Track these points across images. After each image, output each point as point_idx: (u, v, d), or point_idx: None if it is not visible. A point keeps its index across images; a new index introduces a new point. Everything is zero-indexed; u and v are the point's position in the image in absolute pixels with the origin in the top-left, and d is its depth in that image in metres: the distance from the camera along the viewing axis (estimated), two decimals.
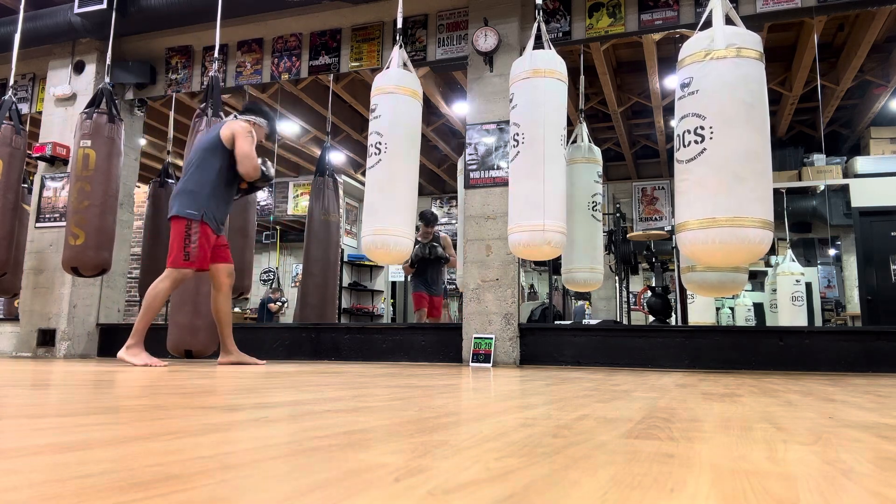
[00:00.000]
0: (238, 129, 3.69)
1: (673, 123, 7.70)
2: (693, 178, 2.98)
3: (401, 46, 4.06)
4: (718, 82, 2.96)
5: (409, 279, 6.73)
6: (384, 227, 3.73)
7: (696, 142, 2.98)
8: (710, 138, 2.93)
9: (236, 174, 3.73)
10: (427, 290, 6.16)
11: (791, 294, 7.26)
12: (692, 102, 3.02)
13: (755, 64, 3.01)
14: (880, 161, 7.25)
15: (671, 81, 6.75)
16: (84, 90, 5.57)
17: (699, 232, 2.93)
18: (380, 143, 3.81)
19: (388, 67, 3.99)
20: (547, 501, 0.51)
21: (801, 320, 7.05)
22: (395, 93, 3.88)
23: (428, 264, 6.11)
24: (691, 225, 2.97)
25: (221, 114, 4.43)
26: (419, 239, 6.12)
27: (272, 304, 9.32)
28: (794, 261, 7.45)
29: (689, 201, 3.00)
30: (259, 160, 3.76)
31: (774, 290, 7.96)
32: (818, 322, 8.07)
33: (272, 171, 3.89)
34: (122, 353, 3.47)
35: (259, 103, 4.03)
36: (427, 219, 6.21)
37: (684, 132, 3.04)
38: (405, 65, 4.02)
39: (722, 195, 2.89)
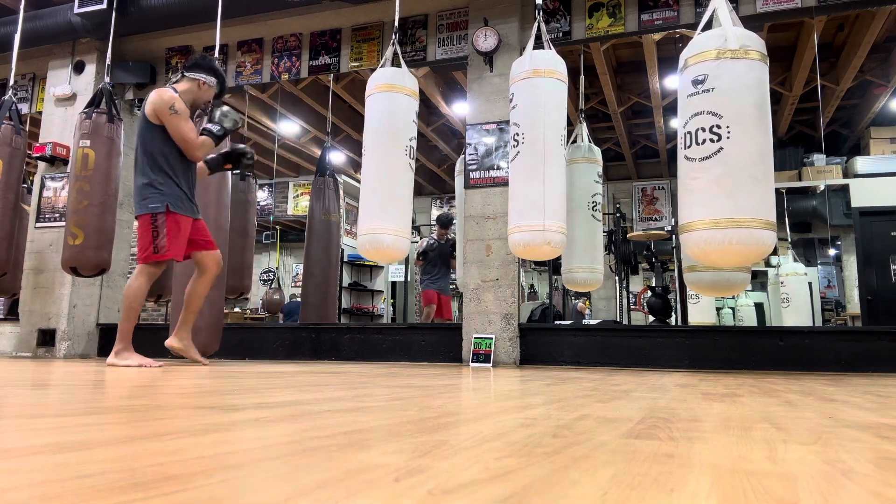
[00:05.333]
0: (160, 109, 3.33)
1: (675, 121, 7.75)
2: (708, 176, 2.94)
3: (393, 43, 4.07)
4: (735, 82, 2.94)
5: (418, 277, 6.83)
6: (380, 226, 3.76)
7: (711, 140, 2.95)
8: (728, 138, 2.91)
9: None
10: (437, 288, 6.25)
11: (780, 295, 7.34)
12: (707, 100, 2.98)
13: (763, 66, 3.01)
14: (880, 161, 7.25)
15: (671, 81, 6.75)
16: (84, 90, 5.57)
17: (716, 232, 2.88)
18: (364, 147, 3.91)
19: (382, 65, 4.03)
20: (547, 501, 0.51)
21: (789, 321, 7.09)
22: (374, 93, 3.90)
23: (440, 261, 6.21)
24: (705, 224, 2.93)
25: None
26: (436, 238, 6.32)
27: None
28: (796, 261, 7.46)
29: (702, 200, 2.96)
30: (209, 131, 3.41)
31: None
32: (818, 322, 8.07)
33: (228, 122, 3.47)
34: (112, 359, 3.37)
35: (208, 57, 3.65)
36: (442, 222, 6.48)
37: (697, 129, 3.00)
38: (395, 61, 4.04)
39: (741, 195, 2.87)
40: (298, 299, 9.36)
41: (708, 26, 3.18)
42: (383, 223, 3.72)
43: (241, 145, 3.75)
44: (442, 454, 0.71)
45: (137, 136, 3.46)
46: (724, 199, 2.90)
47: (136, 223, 3.51)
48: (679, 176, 3.15)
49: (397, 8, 4.20)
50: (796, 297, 7.26)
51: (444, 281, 6.38)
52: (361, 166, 3.94)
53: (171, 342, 3.61)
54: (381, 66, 4.04)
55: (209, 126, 3.47)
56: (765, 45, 3.05)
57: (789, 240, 7.99)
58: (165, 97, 3.36)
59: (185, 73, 3.55)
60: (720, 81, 2.96)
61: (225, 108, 3.58)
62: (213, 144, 3.46)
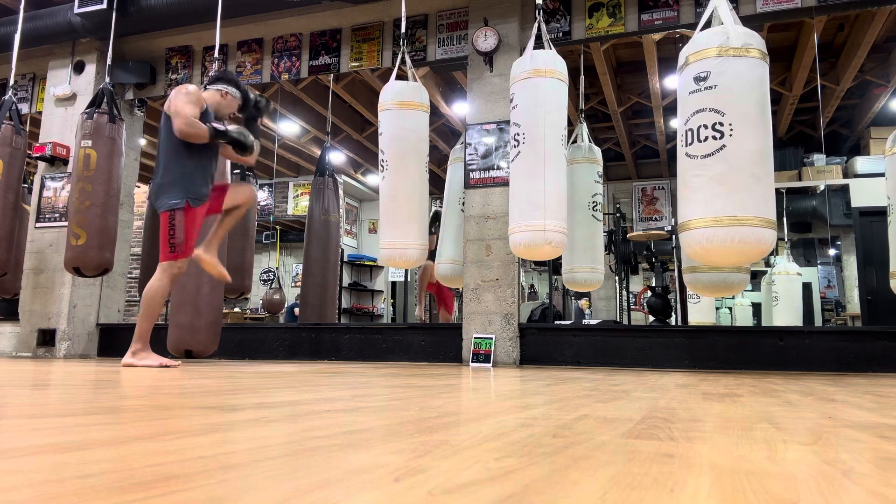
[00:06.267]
0: (174, 95, 3.38)
1: (675, 120, 7.75)
2: (710, 174, 2.93)
3: (403, 53, 4.15)
4: (737, 80, 2.93)
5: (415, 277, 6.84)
6: (391, 241, 4.01)
7: (714, 137, 2.93)
8: (731, 135, 2.90)
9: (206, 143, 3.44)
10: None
11: (772, 294, 7.43)
12: (710, 97, 2.97)
13: (763, 65, 3.02)
14: (880, 161, 7.24)
15: (671, 81, 6.75)
16: (84, 90, 5.57)
17: (717, 230, 2.87)
18: (383, 161, 4.09)
19: (393, 77, 4.14)
20: (547, 501, 0.51)
21: (777, 320, 7.13)
22: (392, 108, 4.08)
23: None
24: (706, 222, 2.92)
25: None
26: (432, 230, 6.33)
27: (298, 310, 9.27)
28: (791, 261, 7.49)
29: (703, 198, 2.94)
30: (214, 127, 3.35)
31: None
32: (818, 322, 8.07)
33: (240, 136, 3.39)
34: (128, 359, 3.33)
35: (228, 71, 3.80)
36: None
37: (700, 127, 2.99)
38: (405, 71, 4.15)
39: (743, 193, 2.87)
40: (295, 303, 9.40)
41: (707, 26, 3.18)
42: (410, 238, 4.01)
43: (254, 95, 3.69)
44: (442, 454, 0.71)
45: (160, 134, 3.47)
46: (726, 197, 2.89)
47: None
48: (679, 173, 3.14)
49: (403, 15, 4.20)
50: (785, 295, 7.29)
51: None
52: (382, 179, 4.11)
53: (199, 253, 3.53)
54: (394, 77, 4.15)
55: (217, 125, 3.39)
56: (764, 43, 3.06)
57: (786, 239, 7.99)
58: (186, 88, 3.38)
59: (208, 87, 3.60)
60: (723, 79, 2.95)
61: (244, 127, 3.56)
62: (206, 135, 3.32)
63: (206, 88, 3.60)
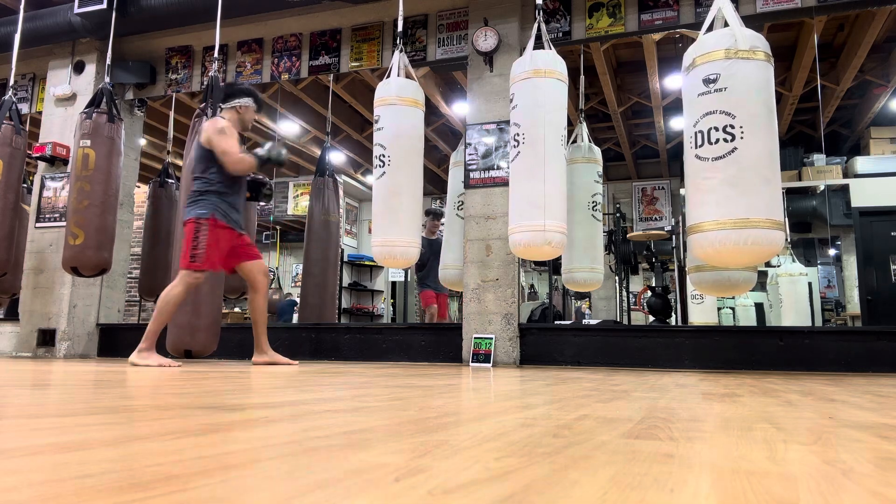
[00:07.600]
0: (210, 131, 3.55)
1: (675, 121, 7.74)
2: (721, 176, 2.94)
3: (401, 51, 4.13)
4: (746, 83, 2.95)
5: (415, 277, 6.81)
6: (392, 238, 3.93)
7: (725, 140, 2.94)
8: (741, 138, 2.91)
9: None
10: (435, 287, 6.18)
11: (777, 296, 7.45)
12: (720, 99, 2.98)
13: (769, 67, 3.03)
14: (880, 161, 7.25)
15: (671, 81, 6.75)
16: (84, 90, 5.57)
17: (731, 232, 2.88)
18: (383, 156, 4.04)
19: (388, 75, 4.10)
20: (547, 501, 0.51)
21: (782, 320, 7.14)
22: (397, 104, 4.03)
23: (432, 258, 6.11)
24: (719, 224, 2.92)
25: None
26: (425, 235, 6.20)
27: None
28: (794, 261, 7.49)
29: (716, 200, 2.95)
30: (256, 154, 3.58)
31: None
32: (818, 322, 8.07)
33: (274, 151, 3.61)
34: (133, 357, 3.47)
35: (232, 84, 3.96)
36: (435, 213, 6.40)
37: (710, 129, 2.99)
38: (406, 70, 4.15)
39: (754, 196, 2.88)
40: (291, 298, 9.37)
41: (710, 27, 3.18)
42: (410, 236, 3.96)
43: (261, 176, 3.98)
44: (442, 454, 0.71)
45: (193, 158, 3.67)
46: (738, 199, 2.90)
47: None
48: (688, 175, 3.14)
49: (400, 16, 4.20)
50: (788, 296, 7.30)
51: (437, 279, 6.32)
52: (381, 175, 4.04)
53: (255, 359, 3.83)
54: (390, 75, 4.12)
55: (256, 150, 3.65)
56: (769, 46, 3.06)
57: (788, 240, 7.99)
58: (218, 125, 3.58)
59: (223, 106, 3.75)
60: (732, 81, 2.96)
61: (277, 143, 3.79)
62: (254, 163, 3.57)
63: (221, 110, 3.75)
